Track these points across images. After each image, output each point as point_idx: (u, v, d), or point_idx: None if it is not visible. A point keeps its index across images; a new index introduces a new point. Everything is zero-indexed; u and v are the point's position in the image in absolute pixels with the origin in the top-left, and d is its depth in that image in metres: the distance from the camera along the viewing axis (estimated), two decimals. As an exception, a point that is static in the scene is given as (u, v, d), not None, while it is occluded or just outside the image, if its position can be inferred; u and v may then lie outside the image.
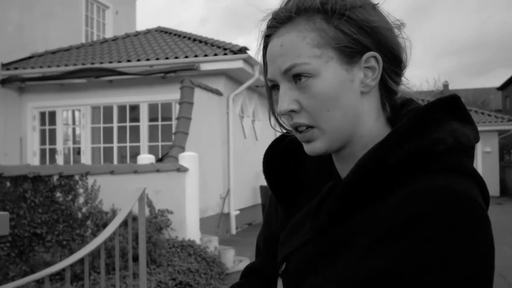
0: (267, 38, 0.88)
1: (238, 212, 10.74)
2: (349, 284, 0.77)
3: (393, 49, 0.85)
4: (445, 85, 35.92)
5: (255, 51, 0.95)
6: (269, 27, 0.87)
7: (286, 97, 0.84)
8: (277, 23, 0.85)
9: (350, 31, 0.81)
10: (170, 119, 10.61)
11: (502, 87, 42.17)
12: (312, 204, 0.89)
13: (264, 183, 12.45)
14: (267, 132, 14.05)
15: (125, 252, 5.10)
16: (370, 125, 0.86)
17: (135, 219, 5.33)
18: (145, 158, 7.22)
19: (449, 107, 0.80)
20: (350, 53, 0.82)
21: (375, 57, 0.83)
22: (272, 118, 0.98)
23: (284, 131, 1.02)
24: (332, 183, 0.87)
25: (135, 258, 5.10)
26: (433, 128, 0.78)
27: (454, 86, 40.41)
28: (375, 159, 0.77)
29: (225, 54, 10.10)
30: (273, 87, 0.90)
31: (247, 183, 12.03)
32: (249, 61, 10.29)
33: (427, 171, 0.75)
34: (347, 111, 0.83)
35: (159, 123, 10.66)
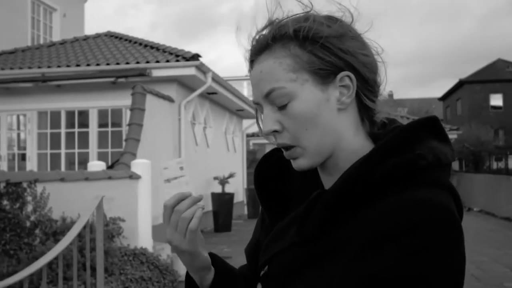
0: (251, 63, 0.96)
1: (189, 219, 10.66)
2: None
3: (366, 70, 0.91)
4: (390, 95, 36.97)
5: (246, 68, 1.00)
6: (251, 54, 0.95)
7: (269, 119, 0.91)
8: (257, 50, 0.93)
9: (323, 55, 0.88)
10: (120, 125, 10.45)
11: (443, 98, 43.95)
12: (299, 211, 0.95)
13: (215, 190, 12.47)
14: (218, 139, 14.06)
15: (77, 261, 4.99)
16: (349, 139, 0.92)
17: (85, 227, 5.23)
18: (96, 165, 7.09)
19: (429, 127, 0.89)
20: (324, 75, 0.89)
21: (348, 76, 0.90)
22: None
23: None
24: (318, 191, 0.92)
25: (86, 268, 5.00)
26: (415, 145, 0.85)
27: (398, 95, 41.72)
28: (362, 171, 0.84)
29: (177, 60, 10.07)
30: (259, 109, 0.97)
31: (198, 190, 11.92)
32: (201, 68, 10.30)
33: (410, 184, 0.82)
34: (325, 128, 0.90)
35: (109, 129, 10.48)
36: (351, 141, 0.93)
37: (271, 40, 0.90)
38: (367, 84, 0.92)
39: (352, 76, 0.90)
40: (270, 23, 0.93)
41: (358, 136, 0.94)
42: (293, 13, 0.94)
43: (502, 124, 35.50)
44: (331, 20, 0.91)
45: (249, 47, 0.96)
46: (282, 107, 0.89)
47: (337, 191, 0.86)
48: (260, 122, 1.00)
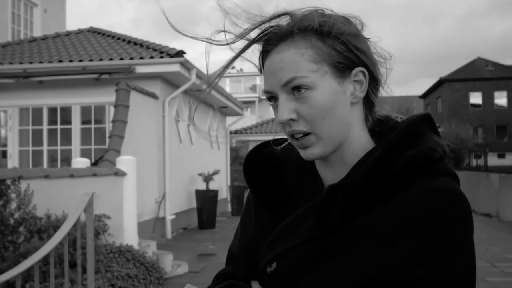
0: (265, 53, 0.96)
1: (173, 216, 10.66)
2: (366, 276, 0.86)
3: (374, 68, 0.97)
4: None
5: (258, 62, 1.01)
6: (268, 44, 0.95)
7: (286, 108, 0.93)
8: (277, 40, 0.94)
9: (341, 49, 0.93)
10: (103, 122, 10.36)
11: (424, 96, 44.44)
12: (312, 205, 0.96)
13: (199, 187, 12.45)
14: (202, 136, 14.03)
15: (62, 258, 4.95)
16: (357, 133, 0.97)
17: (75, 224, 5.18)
18: (80, 161, 7.03)
19: (427, 122, 0.95)
20: (342, 68, 0.93)
21: (363, 71, 0.95)
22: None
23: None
24: (331, 185, 0.93)
25: (72, 265, 4.96)
26: (422, 139, 0.91)
27: (380, 93, 42.03)
28: (382, 163, 0.89)
29: (162, 57, 10.02)
30: (270, 99, 0.97)
31: (182, 187, 11.95)
32: (186, 65, 10.26)
33: (427, 174, 0.89)
34: (340, 119, 0.93)
35: (92, 126, 10.39)
36: (359, 135, 0.97)
37: (296, 30, 0.92)
38: (374, 82, 0.97)
39: (366, 72, 0.95)
40: (289, 14, 0.96)
41: (364, 131, 0.98)
42: (303, 8, 0.96)
43: (481, 122, 36.06)
44: (347, 20, 0.96)
45: (261, 38, 0.97)
46: (299, 96, 0.91)
47: (360, 183, 0.89)
48: (276, 112, 0.99)
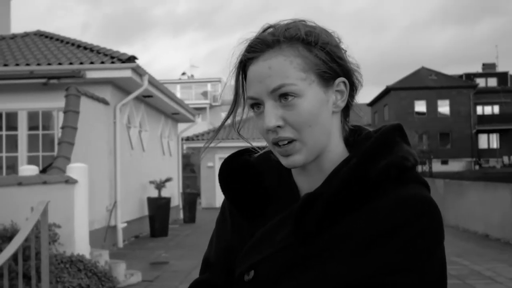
0: (249, 60, 0.96)
1: (125, 224, 10.45)
2: (343, 283, 0.87)
3: (353, 78, 1.00)
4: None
5: (228, 71, 1.01)
6: (253, 50, 0.96)
7: (273, 114, 0.93)
8: (264, 47, 0.95)
9: (326, 60, 0.95)
10: (52, 128, 10.06)
11: (372, 103, 45.57)
12: (289, 213, 0.96)
13: (151, 194, 12.26)
14: (154, 143, 13.85)
15: (11, 270, 4.75)
16: (336, 142, 1.00)
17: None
18: (29, 169, 6.79)
19: (398, 132, 0.99)
20: (327, 78, 0.95)
21: (344, 82, 0.98)
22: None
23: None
24: (309, 193, 0.95)
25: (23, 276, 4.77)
26: (395, 148, 0.94)
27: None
28: (358, 171, 0.92)
29: (113, 62, 9.84)
30: (253, 105, 0.97)
31: (134, 195, 11.75)
32: (137, 70, 10.12)
33: (400, 183, 0.92)
34: (324, 127, 0.95)
35: (40, 132, 10.06)
36: (337, 144, 1.00)
37: (283, 39, 0.94)
38: (352, 91, 1.01)
39: (347, 82, 0.98)
40: (272, 26, 0.98)
41: (341, 140, 1.01)
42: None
43: (425, 129, 37.25)
44: (327, 32, 0.99)
45: (243, 46, 0.97)
46: (287, 103, 0.92)
47: (336, 192, 0.91)
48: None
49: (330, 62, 0.95)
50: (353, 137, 1.03)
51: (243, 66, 0.99)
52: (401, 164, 0.92)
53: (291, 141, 0.93)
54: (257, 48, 0.95)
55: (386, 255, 0.86)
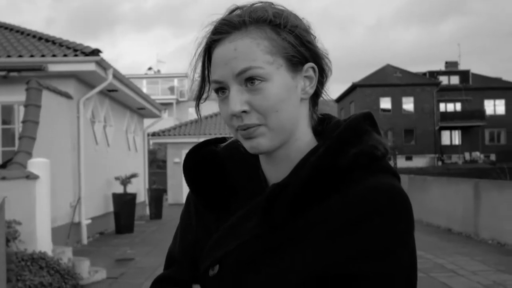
0: (214, 43, 0.91)
1: (89, 221, 10.24)
2: (313, 271, 0.84)
3: (322, 64, 0.96)
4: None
5: (193, 53, 0.96)
6: (218, 32, 0.91)
7: (238, 99, 0.88)
8: (229, 28, 0.90)
9: (295, 43, 0.91)
10: (12, 122, 9.77)
11: (338, 100, 46.08)
12: (256, 205, 0.92)
13: (117, 190, 12.07)
14: (119, 138, 13.63)
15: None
16: (303, 130, 0.96)
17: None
18: (-13, 164, 6.56)
19: (369, 121, 0.96)
20: (295, 62, 0.91)
21: (313, 68, 0.93)
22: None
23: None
24: (276, 183, 0.92)
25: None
26: (364, 137, 0.91)
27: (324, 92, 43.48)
28: (327, 160, 0.88)
29: (76, 55, 9.62)
30: (218, 90, 0.92)
31: (99, 191, 11.54)
32: (101, 64, 9.92)
33: (370, 172, 0.89)
34: (291, 113, 0.91)
35: (0, 126, 9.75)
36: (305, 132, 0.96)
37: (249, 19, 0.89)
38: (321, 78, 0.97)
39: (316, 68, 0.93)
40: (239, 8, 0.93)
41: (309, 128, 0.97)
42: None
43: (390, 126, 37.89)
44: (296, 15, 0.95)
45: (208, 27, 0.93)
46: (253, 88, 0.88)
47: (304, 181, 0.88)
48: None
49: (298, 46, 0.90)
50: (322, 126, 0.99)
51: (208, 49, 0.94)
52: (371, 153, 0.89)
53: (257, 126, 0.89)
54: (223, 29, 0.90)
55: (357, 242, 0.84)
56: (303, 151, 0.93)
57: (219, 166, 1.03)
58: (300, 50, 0.91)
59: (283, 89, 0.89)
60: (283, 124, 0.90)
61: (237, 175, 1.02)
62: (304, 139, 0.95)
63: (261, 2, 0.94)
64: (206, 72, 0.96)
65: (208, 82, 0.96)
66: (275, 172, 0.96)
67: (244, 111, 0.88)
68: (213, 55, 0.92)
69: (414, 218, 0.89)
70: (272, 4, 0.94)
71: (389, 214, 0.85)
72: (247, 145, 0.91)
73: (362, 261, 0.83)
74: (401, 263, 0.85)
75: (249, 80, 0.88)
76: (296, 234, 0.88)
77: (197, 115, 1.02)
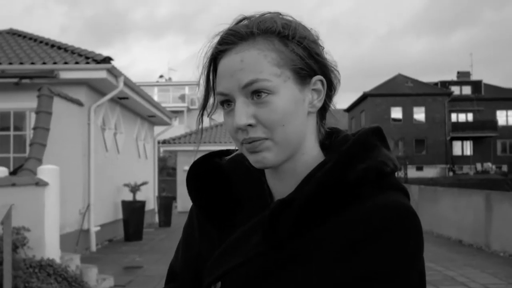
0: (220, 53, 0.89)
1: (98, 228, 10.26)
2: None
3: (331, 77, 0.94)
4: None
5: (199, 63, 0.94)
6: (225, 42, 0.88)
7: (244, 112, 0.86)
8: (236, 39, 0.87)
9: (303, 55, 0.88)
10: (23, 129, 9.84)
11: (349, 109, 45.97)
12: (260, 219, 0.90)
13: (126, 197, 12.09)
14: (129, 145, 13.67)
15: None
16: (310, 144, 0.93)
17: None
18: (-2, 170, 6.60)
19: (378, 135, 0.93)
20: (303, 75, 0.89)
21: (321, 81, 0.91)
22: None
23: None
24: (281, 199, 0.89)
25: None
26: (373, 153, 0.89)
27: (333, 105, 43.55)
28: (334, 176, 0.85)
29: (88, 63, 9.68)
30: (223, 103, 0.90)
31: (108, 198, 11.56)
32: (113, 71, 9.98)
33: (378, 189, 0.86)
34: (298, 127, 0.88)
35: (11, 133, 9.83)
36: (312, 147, 0.93)
37: (257, 31, 0.87)
38: (329, 91, 0.94)
39: (324, 81, 0.91)
40: (247, 18, 0.91)
41: (316, 143, 0.95)
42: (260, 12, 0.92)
43: (401, 136, 37.69)
44: (305, 26, 0.92)
45: (215, 37, 0.90)
46: (259, 101, 0.85)
47: (311, 196, 0.85)
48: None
49: (307, 58, 0.88)
50: (330, 140, 0.97)
51: (214, 60, 0.91)
52: (380, 169, 0.86)
53: (263, 139, 0.87)
54: (229, 40, 0.88)
55: (362, 263, 0.80)
56: (310, 165, 0.91)
57: (223, 179, 1.00)
58: (309, 62, 0.88)
59: (291, 102, 0.86)
60: (289, 138, 0.87)
61: (241, 188, 0.99)
62: (311, 154, 0.92)
63: (270, 13, 0.92)
64: (211, 84, 0.93)
65: (213, 94, 0.94)
66: (281, 187, 0.93)
67: (250, 125, 0.86)
68: (219, 66, 0.89)
69: (423, 237, 0.86)
70: (281, 14, 0.92)
71: (398, 233, 0.82)
72: (252, 159, 0.89)
73: (369, 282, 0.80)
74: (410, 284, 0.82)
75: (256, 93, 0.85)
76: (301, 252, 0.85)
77: (198, 127, 1.00)
